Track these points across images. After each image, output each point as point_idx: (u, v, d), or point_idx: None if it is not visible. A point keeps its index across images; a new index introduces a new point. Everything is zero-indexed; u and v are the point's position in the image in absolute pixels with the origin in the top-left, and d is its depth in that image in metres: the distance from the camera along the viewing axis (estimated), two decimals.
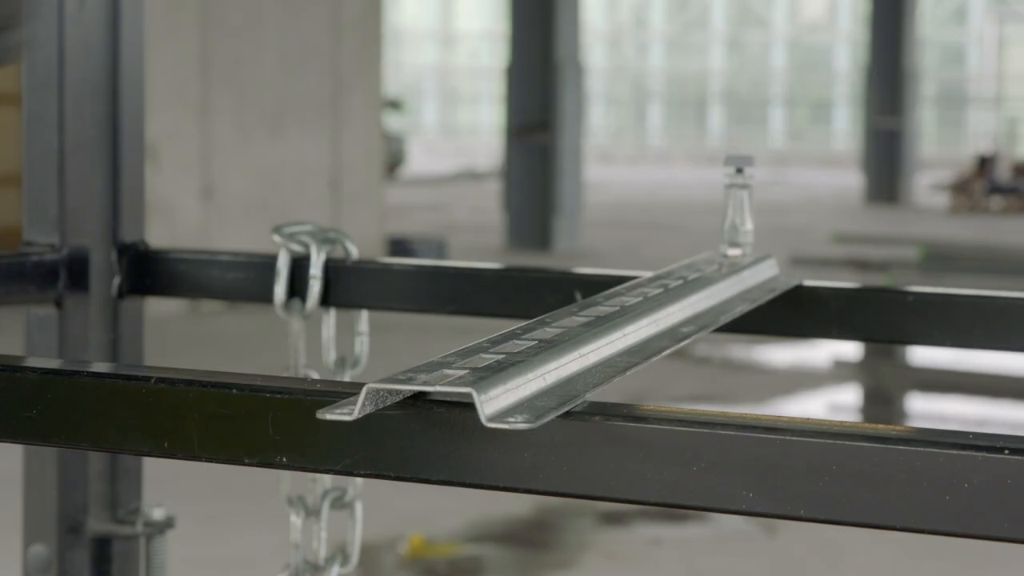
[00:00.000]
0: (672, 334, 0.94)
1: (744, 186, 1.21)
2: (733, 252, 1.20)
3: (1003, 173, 18.03)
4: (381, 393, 0.74)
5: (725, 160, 1.21)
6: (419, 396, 0.76)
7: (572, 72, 12.80)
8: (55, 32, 1.44)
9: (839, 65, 32.21)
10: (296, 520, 1.46)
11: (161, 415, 0.80)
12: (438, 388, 0.73)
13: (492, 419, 0.71)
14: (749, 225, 1.21)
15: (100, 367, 0.85)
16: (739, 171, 1.20)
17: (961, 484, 0.68)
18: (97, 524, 1.55)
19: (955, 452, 0.68)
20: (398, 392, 0.75)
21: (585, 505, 4.57)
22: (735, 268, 1.15)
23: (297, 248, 1.42)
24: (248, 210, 9.02)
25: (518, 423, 0.71)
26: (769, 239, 11.98)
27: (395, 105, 21.23)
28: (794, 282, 1.24)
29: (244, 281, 1.49)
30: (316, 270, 1.42)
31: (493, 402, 0.72)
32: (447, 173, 22.45)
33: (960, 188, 17.80)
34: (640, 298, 0.98)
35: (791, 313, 1.26)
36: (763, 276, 1.20)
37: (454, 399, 0.75)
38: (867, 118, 19.23)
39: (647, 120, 33.61)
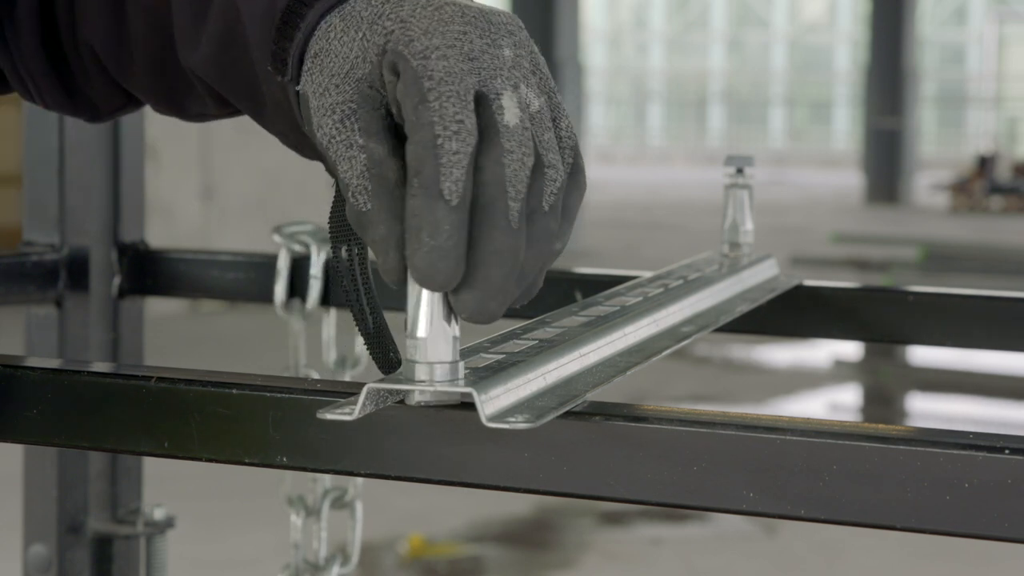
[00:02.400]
0: (672, 334, 0.94)
1: (744, 186, 1.21)
2: (733, 252, 1.20)
3: (1003, 173, 18.04)
4: (381, 393, 0.74)
5: (725, 160, 1.21)
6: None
7: (572, 72, 12.81)
8: None
9: (839, 65, 32.23)
10: (296, 520, 1.46)
11: (161, 415, 0.80)
12: (438, 388, 0.73)
13: (492, 419, 0.71)
14: (749, 225, 1.21)
15: (100, 367, 0.85)
16: (739, 171, 1.20)
17: (961, 484, 0.68)
18: (97, 524, 1.55)
19: (955, 452, 0.68)
20: (398, 392, 0.75)
21: (585, 505, 4.57)
22: (735, 268, 1.15)
23: (297, 248, 1.42)
24: (248, 210, 9.03)
25: (518, 423, 0.71)
26: (769, 239, 11.98)
27: None
28: (794, 282, 1.24)
29: (244, 281, 1.49)
30: (316, 270, 1.42)
31: (493, 402, 0.72)
32: None
33: (960, 188, 17.81)
34: (640, 298, 0.98)
35: (791, 313, 1.26)
36: (763, 276, 1.20)
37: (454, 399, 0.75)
38: (867, 118, 19.24)
39: (647, 120, 33.63)
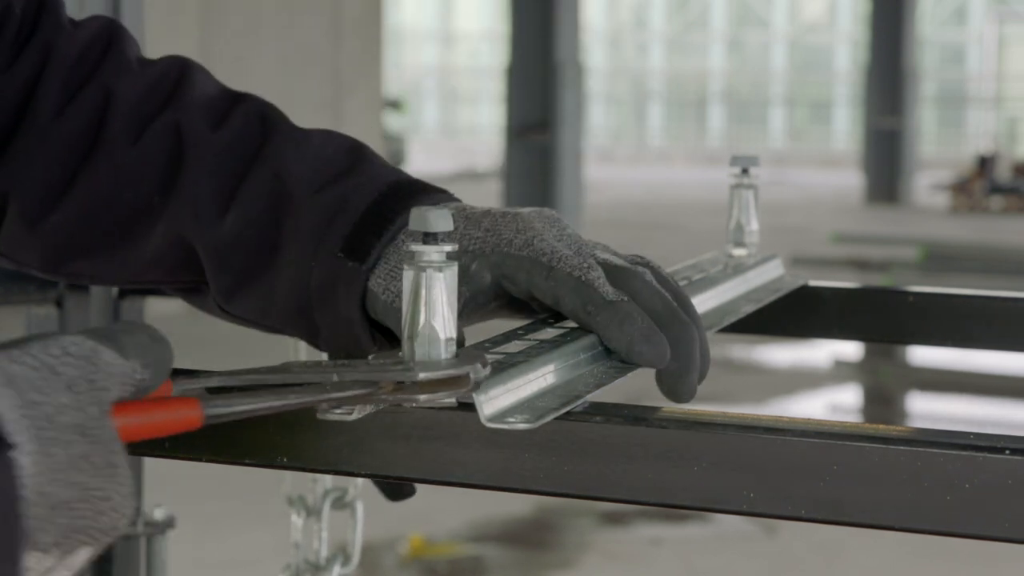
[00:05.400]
0: None
1: (749, 186, 1.21)
2: (738, 252, 1.20)
3: (1003, 173, 18.03)
4: None
5: (731, 160, 1.20)
6: None
7: (572, 72, 12.81)
8: None
9: (839, 65, 32.21)
10: (297, 520, 1.46)
11: None
12: None
13: (492, 419, 0.71)
14: (755, 225, 1.21)
15: None
16: (744, 171, 1.20)
17: (961, 484, 0.68)
18: None
19: (955, 452, 0.68)
20: None
21: (585, 505, 4.57)
22: (740, 268, 1.15)
23: None
24: None
25: (518, 423, 0.71)
26: (769, 239, 11.94)
27: (395, 105, 21.22)
28: (799, 282, 1.24)
29: None
30: None
31: (493, 402, 0.72)
32: (447, 173, 22.45)
33: (960, 188, 17.80)
34: None
35: (792, 313, 1.26)
36: (768, 276, 1.19)
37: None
38: (867, 118, 19.23)
39: (647, 120, 33.61)
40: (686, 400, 0.85)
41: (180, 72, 1.03)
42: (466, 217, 0.92)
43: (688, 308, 0.89)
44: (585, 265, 0.86)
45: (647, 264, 0.91)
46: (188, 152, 0.97)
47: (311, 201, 0.93)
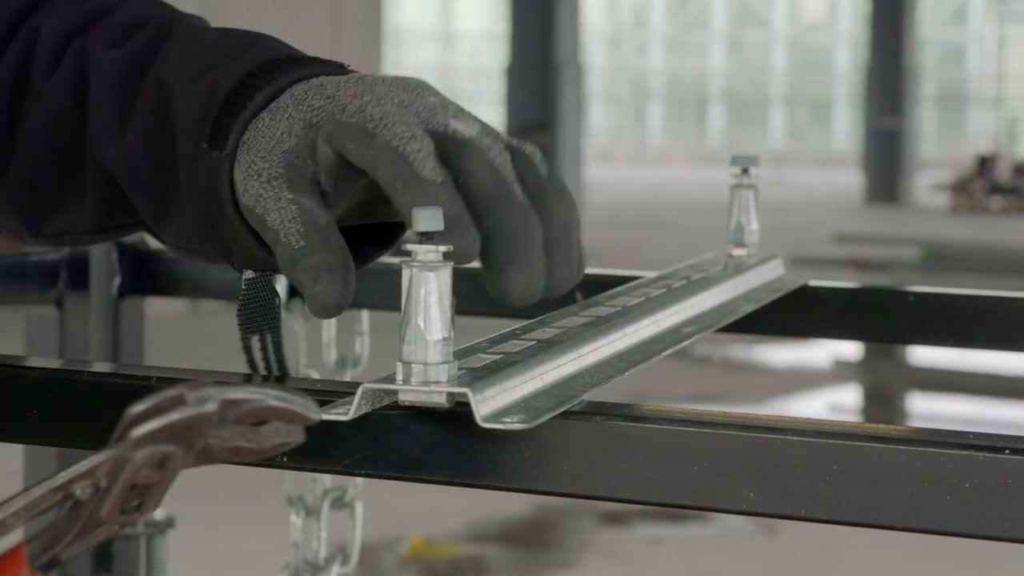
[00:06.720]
0: (673, 334, 0.94)
1: (750, 186, 1.21)
2: (738, 252, 1.20)
3: (1003, 173, 18.04)
4: (377, 393, 0.74)
5: (731, 160, 1.20)
6: None
7: (572, 72, 12.81)
8: None
9: (839, 65, 32.23)
10: (296, 520, 1.46)
11: None
12: (431, 389, 0.73)
13: (487, 419, 0.71)
14: (755, 225, 1.21)
15: (100, 367, 0.85)
16: (744, 171, 1.20)
17: (961, 484, 0.68)
18: None
19: (955, 452, 0.68)
20: (394, 392, 0.75)
21: (585, 505, 4.57)
22: (740, 268, 1.15)
23: None
24: None
25: (513, 423, 0.71)
26: (769, 239, 11.95)
27: None
28: (800, 282, 1.24)
29: None
30: None
31: (489, 402, 0.72)
32: None
33: (960, 188, 17.81)
34: (642, 298, 0.98)
35: (792, 313, 1.26)
36: (769, 276, 1.19)
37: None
38: (867, 118, 19.24)
39: (647, 120, 33.63)
40: (518, 304, 0.74)
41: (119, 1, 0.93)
42: (321, 85, 0.80)
43: (560, 197, 0.76)
44: (408, 134, 0.74)
45: (530, 148, 0.78)
46: (92, 76, 0.88)
47: (186, 94, 0.83)
